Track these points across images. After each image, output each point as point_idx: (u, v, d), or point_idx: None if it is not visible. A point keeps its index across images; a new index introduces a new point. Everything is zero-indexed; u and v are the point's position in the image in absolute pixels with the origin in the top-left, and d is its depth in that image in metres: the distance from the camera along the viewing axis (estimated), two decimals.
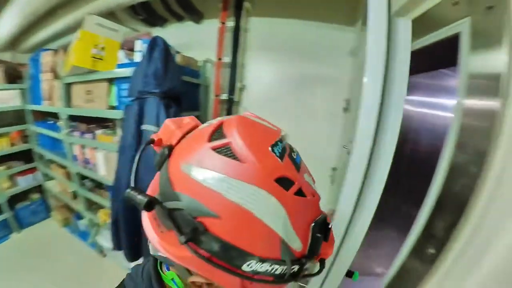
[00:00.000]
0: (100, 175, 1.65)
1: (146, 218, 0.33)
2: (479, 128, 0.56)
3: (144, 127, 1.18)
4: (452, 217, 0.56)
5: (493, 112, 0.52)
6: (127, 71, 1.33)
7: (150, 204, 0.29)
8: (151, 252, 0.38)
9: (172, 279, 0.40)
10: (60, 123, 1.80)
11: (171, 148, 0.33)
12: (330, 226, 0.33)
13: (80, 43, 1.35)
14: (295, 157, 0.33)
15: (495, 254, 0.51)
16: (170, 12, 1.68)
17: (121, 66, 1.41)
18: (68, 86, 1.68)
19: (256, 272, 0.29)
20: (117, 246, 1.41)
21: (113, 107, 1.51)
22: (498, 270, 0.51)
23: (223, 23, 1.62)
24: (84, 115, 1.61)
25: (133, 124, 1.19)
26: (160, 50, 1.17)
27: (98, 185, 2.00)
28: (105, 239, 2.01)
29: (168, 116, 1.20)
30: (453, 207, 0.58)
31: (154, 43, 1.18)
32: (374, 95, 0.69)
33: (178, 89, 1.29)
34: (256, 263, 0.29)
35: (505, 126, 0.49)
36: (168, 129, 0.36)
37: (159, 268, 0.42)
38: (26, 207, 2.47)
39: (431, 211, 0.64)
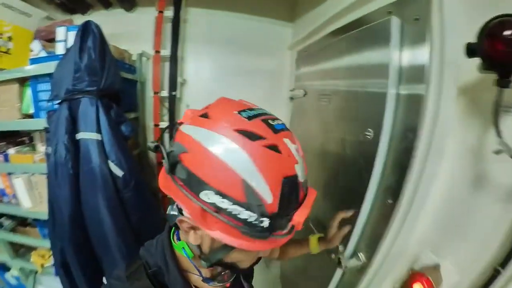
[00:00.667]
0: (24, 209, 1.30)
1: (161, 175, 0.42)
2: (411, 106, 0.71)
3: (81, 135, 0.99)
4: (400, 172, 0.70)
5: (420, 95, 0.66)
6: (47, 67, 1.09)
7: (157, 147, 0.41)
8: (167, 212, 0.47)
9: (183, 248, 0.45)
10: None
11: (180, 124, 0.42)
12: (301, 189, 0.37)
13: None
14: (273, 123, 0.38)
15: (433, 196, 0.69)
16: None
17: (36, 61, 1.14)
18: None
19: (217, 207, 0.34)
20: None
21: (28, 116, 1.22)
22: (437, 209, 0.68)
23: (160, 12, 1.49)
24: None
25: (64, 133, 0.98)
26: (94, 39, 0.99)
27: (21, 222, 1.60)
28: (49, 286, 1.65)
29: (109, 119, 1.04)
30: (399, 164, 0.72)
31: (86, 30, 0.99)
32: None
33: (118, 86, 1.13)
34: (215, 194, 0.33)
35: (429, 104, 0.64)
36: (187, 114, 0.43)
37: (172, 238, 0.49)
38: None
39: (383, 169, 0.77)
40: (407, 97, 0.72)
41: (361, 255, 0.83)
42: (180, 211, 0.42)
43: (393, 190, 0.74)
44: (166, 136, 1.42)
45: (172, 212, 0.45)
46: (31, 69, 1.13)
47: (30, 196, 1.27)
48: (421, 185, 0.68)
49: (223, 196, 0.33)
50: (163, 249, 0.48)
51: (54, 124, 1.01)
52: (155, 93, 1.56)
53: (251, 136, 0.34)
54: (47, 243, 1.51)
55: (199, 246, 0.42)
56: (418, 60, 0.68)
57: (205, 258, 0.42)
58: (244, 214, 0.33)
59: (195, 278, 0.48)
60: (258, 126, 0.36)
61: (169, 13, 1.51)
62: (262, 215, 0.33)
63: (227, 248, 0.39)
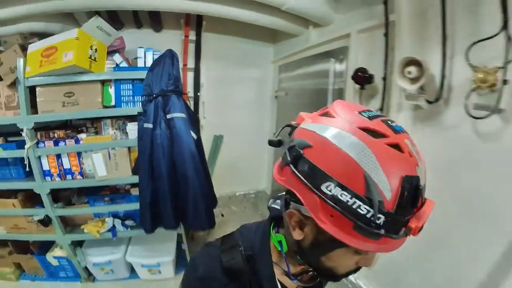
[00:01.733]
0: (98, 177, 1.75)
1: (275, 166, 0.48)
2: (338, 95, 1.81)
3: (174, 115, 1.68)
4: None
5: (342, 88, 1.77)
6: (132, 74, 1.70)
7: (279, 142, 0.47)
8: (268, 205, 0.57)
9: (279, 241, 0.52)
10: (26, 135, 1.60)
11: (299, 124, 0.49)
12: (420, 191, 0.38)
13: (79, 42, 1.50)
14: (393, 124, 0.41)
15: None
16: (134, 19, 1.99)
17: (121, 69, 1.71)
18: (30, 89, 1.61)
19: (336, 199, 0.36)
20: (152, 227, 1.77)
21: (107, 107, 1.73)
22: None
23: (186, 36, 2.19)
24: (74, 117, 1.67)
25: (163, 114, 1.65)
26: (176, 60, 1.69)
27: (67, 204, 1.96)
28: (95, 257, 2.04)
29: (186, 107, 1.74)
30: None
31: (172, 54, 1.68)
32: None
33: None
34: (335, 187, 0.36)
35: (346, 93, 1.74)
36: (301, 116, 0.50)
37: (271, 229, 0.55)
38: None
39: None
40: (337, 90, 1.81)
41: None
42: (287, 205, 0.47)
43: None
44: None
45: (273, 205, 0.52)
46: (120, 74, 1.68)
47: (106, 166, 1.76)
48: None
49: (344, 188, 0.36)
50: (262, 237, 0.54)
51: (152, 109, 1.65)
52: (184, 93, 2.23)
53: (374, 134, 0.38)
54: (100, 212, 1.98)
55: (298, 242, 0.46)
56: (341, 73, 1.77)
57: (303, 254, 0.47)
58: (363, 208, 0.35)
59: (280, 272, 0.53)
60: (379, 125, 0.39)
61: (193, 37, 2.23)
62: (380, 211, 0.35)
63: (330, 246, 0.42)
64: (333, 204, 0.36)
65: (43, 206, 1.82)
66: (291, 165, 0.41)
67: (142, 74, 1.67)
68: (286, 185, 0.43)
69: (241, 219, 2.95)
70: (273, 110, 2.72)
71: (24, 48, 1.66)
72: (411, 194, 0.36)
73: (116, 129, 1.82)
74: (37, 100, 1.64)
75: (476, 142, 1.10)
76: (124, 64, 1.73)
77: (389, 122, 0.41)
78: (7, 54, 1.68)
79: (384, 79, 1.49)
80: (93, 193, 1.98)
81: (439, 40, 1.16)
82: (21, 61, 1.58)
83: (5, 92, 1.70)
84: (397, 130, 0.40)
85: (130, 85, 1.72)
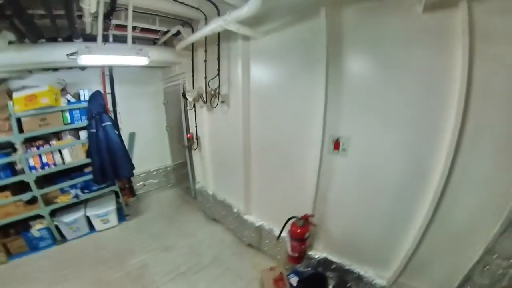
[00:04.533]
0: (67, 163, 3.60)
1: None
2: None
3: (106, 124, 3.64)
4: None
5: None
6: (78, 105, 3.65)
7: None
8: None
9: None
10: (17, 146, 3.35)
11: None
12: None
13: (49, 92, 3.34)
14: None
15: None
16: None
17: (71, 103, 3.62)
18: (19, 119, 3.39)
19: None
20: (102, 180, 3.72)
21: (68, 124, 3.64)
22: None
23: (103, 73, 4.18)
24: (47, 132, 3.52)
25: (100, 124, 3.64)
26: (102, 95, 3.72)
27: (42, 184, 3.73)
28: (66, 218, 3.75)
29: (110, 119, 3.82)
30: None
31: (100, 92, 3.69)
32: None
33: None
34: None
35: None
36: None
37: None
38: None
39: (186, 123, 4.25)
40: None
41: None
42: None
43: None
44: None
45: None
46: (72, 106, 3.60)
47: (71, 155, 3.64)
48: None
49: None
50: None
51: (94, 122, 3.61)
52: (108, 110, 4.22)
53: None
54: (65, 187, 3.87)
55: None
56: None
57: None
58: None
59: None
60: None
61: (106, 72, 4.23)
62: None
63: None
64: None
65: (30, 191, 3.53)
66: None
67: (84, 105, 3.64)
68: None
69: (158, 187, 5.17)
70: (163, 112, 5.09)
71: (9, 94, 3.41)
72: None
73: (72, 135, 3.76)
74: (23, 125, 3.44)
75: (219, 114, 3.52)
76: (72, 99, 3.67)
77: None
78: None
79: None
80: (60, 177, 3.85)
81: (203, 76, 3.49)
82: (11, 103, 3.33)
83: None
84: None
85: (78, 111, 3.67)
